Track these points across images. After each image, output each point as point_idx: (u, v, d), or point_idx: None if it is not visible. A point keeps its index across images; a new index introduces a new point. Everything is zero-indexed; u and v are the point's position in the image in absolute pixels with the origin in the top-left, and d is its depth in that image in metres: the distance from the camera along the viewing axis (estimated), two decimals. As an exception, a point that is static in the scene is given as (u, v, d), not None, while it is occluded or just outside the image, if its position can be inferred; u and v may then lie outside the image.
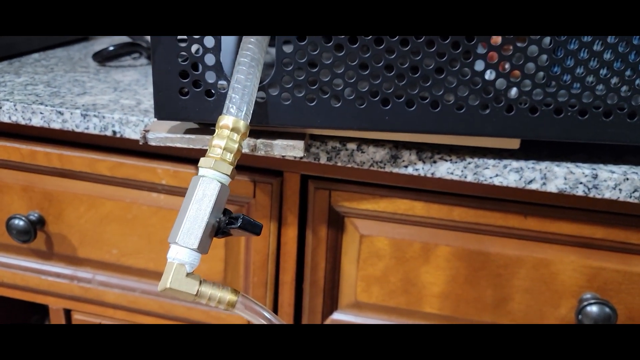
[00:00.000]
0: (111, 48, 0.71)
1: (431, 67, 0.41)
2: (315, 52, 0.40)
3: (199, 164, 0.37)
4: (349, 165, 0.48)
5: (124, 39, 0.81)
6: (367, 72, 0.41)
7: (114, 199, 0.58)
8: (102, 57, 0.71)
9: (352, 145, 0.47)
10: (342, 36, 0.40)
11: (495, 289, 0.53)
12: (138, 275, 0.61)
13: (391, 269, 0.55)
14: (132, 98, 0.57)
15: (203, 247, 0.35)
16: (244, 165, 0.54)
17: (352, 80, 0.41)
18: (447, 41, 0.40)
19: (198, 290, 0.35)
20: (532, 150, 0.48)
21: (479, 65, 0.41)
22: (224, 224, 0.36)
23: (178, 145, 0.43)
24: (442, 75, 0.41)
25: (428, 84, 0.41)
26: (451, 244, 0.53)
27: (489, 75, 0.41)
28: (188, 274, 0.34)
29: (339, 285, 0.57)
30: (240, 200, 0.55)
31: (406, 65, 0.41)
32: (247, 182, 0.54)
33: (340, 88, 0.42)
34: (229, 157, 0.37)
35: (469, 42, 0.40)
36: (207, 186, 0.36)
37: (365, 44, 0.40)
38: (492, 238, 0.52)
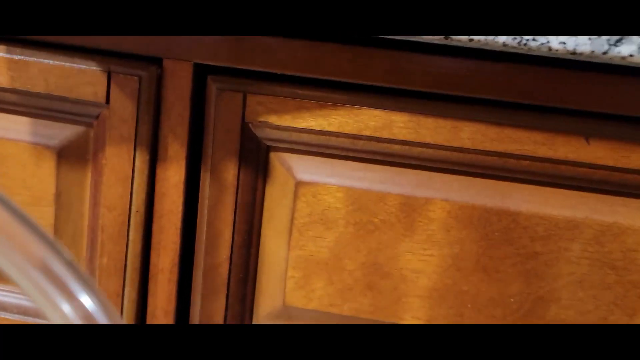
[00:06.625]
0: None
1: None
2: None
3: None
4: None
5: None
6: None
7: None
8: None
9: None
10: None
11: (529, 281, 0.30)
12: None
13: (348, 246, 0.32)
14: None
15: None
16: (93, 48, 0.31)
17: None
18: None
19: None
20: None
21: None
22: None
23: None
24: None
25: None
26: (452, 198, 0.30)
27: None
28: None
29: (257, 278, 0.34)
30: (81, 111, 0.31)
31: None
32: (97, 72, 0.30)
33: None
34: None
35: None
36: None
37: None
38: (521, 186, 0.30)
